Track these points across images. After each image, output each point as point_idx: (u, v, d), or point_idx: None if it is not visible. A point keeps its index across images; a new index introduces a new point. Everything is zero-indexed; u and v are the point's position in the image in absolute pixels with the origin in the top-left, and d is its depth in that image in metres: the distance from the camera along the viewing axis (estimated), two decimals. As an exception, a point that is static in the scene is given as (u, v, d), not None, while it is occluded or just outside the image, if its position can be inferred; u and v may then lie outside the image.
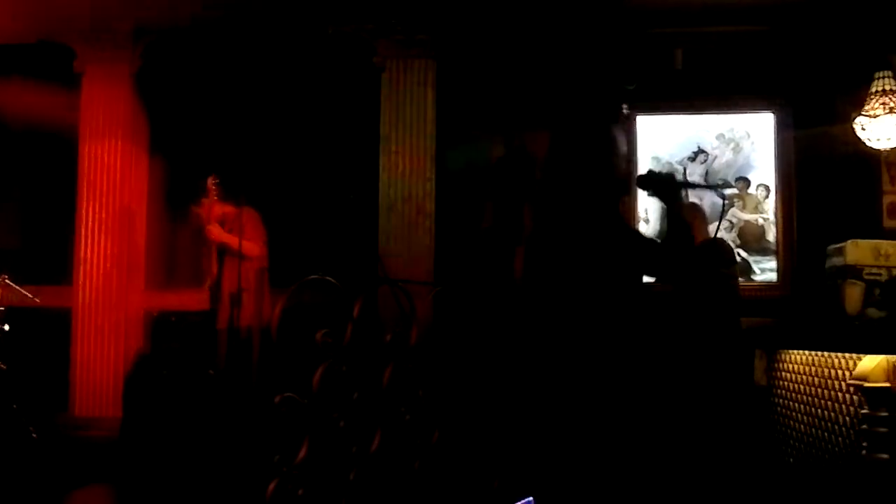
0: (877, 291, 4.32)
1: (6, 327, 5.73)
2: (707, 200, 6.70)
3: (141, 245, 6.96)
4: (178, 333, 6.41)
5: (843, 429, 3.61)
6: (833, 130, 6.32)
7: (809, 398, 4.10)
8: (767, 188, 6.68)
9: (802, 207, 6.56)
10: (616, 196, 2.94)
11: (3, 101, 6.71)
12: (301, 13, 6.50)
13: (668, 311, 4.49)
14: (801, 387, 4.22)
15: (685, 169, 6.76)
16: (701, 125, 6.79)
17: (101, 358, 6.61)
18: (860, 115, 5.88)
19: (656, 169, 6.73)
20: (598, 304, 2.81)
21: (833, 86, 6.40)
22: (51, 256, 7.01)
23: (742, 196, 6.70)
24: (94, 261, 6.70)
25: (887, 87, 5.82)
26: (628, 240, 2.84)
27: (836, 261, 4.96)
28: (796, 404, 4.30)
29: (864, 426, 3.34)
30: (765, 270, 6.61)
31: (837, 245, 5.03)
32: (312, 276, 4.87)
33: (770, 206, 6.65)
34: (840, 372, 3.68)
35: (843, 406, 3.61)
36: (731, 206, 6.70)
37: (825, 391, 3.84)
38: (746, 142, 6.73)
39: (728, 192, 6.70)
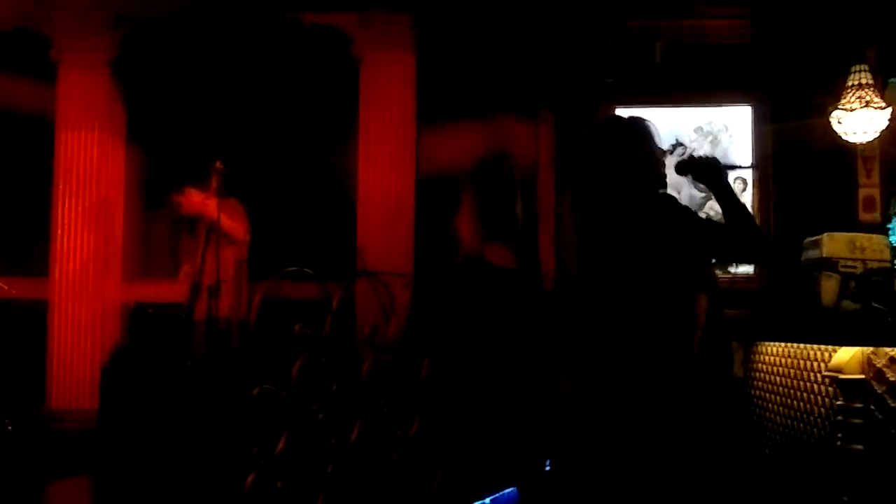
0: (852, 284, 4.35)
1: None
2: (685, 193, 6.75)
3: (118, 236, 6.92)
4: (156, 325, 6.37)
5: (819, 420, 3.64)
6: (810, 124, 6.36)
7: (785, 389, 4.13)
8: (745, 181, 6.72)
9: (779, 200, 6.60)
10: (655, 185, 2.90)
11: (-22, 90, 6.65)
12: (280, 4, 6.48)
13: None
14: (778, 378, 4.26)
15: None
16: (679, 118, 6.82)
17: (77, 350, 6.57)
18: (836, 108, 5.91)
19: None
20: (660, 296, 2.78)
21: (810, 79, 6.44)
22: (27, 248, 6.95)
23: (720, 189, 6.73)
24: (71, 252, 6.65)
25: (863, 81, 5.86)
26: (689, 225, 2.80)
27: (812, 253, 5.00)
28: (773, 395, 4.33)
29: (840, 417, 3.37)
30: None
31: (813, 238, 5.07)
32: (291, 268, 4.86)
33: (747, 198, 6.69)
34: (816, 364, 3.71)
35: (819, 397, 3.65)
36: (709, 198, 6.74)
37: (801, 383, 3.87)
38: (724, 135, 6.77)
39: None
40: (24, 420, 5.67)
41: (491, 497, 2.65)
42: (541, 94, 6.81)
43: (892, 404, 3.31)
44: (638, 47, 6.76)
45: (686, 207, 2.83)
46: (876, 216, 6.33)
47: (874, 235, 4.39)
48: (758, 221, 6.57)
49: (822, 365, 3.61)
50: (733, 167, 5.02)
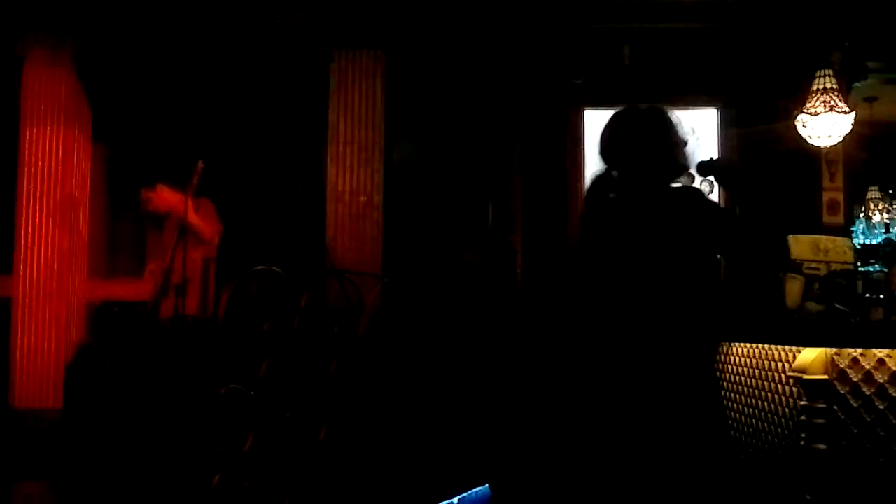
0: (816, 286, 4.40)
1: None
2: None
3: (84, 234, 6.84)
4: (121, 324, 6.32)
5: (783, 420, 3.68)
6: (775, 127, 6.44)
7: (750, 390, 4.17)
8: (711, 183, 6.75)
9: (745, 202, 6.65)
10: (677, 175, 2.90)
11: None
12: (249, 1, 6.44)
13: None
14: (743, 378, 4.29)
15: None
16: (647, 120, 6.86)
17: (42, 348, 6.49)
18: (801, 112, 5.98)
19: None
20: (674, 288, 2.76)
21: (775, 84, 6.52)
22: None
23: (686, 191, 6.78)
24: (36, 250, 6.57)
25: (828, 86, 5.93)
26: (712, 221, 2.79)
27: (777, 255, 5.05)
28: (738, 395, 4.37)
29: (803, 417, 3.41)
30: (708, 264, 6.70)
31: (779, 240, 5.12)
32: (259, 267, 4.84)
33: (714, 199, 6.73)
34: (780, 364, 3.75)
35: (783, 398, 3.68)
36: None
37: (765, 383, 3.91)
38: (691, 137, 6.80)
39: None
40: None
41: (459, 497, 2.65)
42: (510, 98, 6.83)
43: (855, 404, 3.36)
44: (606, 51, 6.81)
45: (714, 203, 2.82)
46: (839, 219, 6.42)
47: (838, 238, 4.44)
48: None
49: (787, 365, 3.65)
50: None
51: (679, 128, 2.91)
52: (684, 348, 2.73)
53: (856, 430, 3.32)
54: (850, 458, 3.30)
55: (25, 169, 6.63)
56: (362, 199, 6.47)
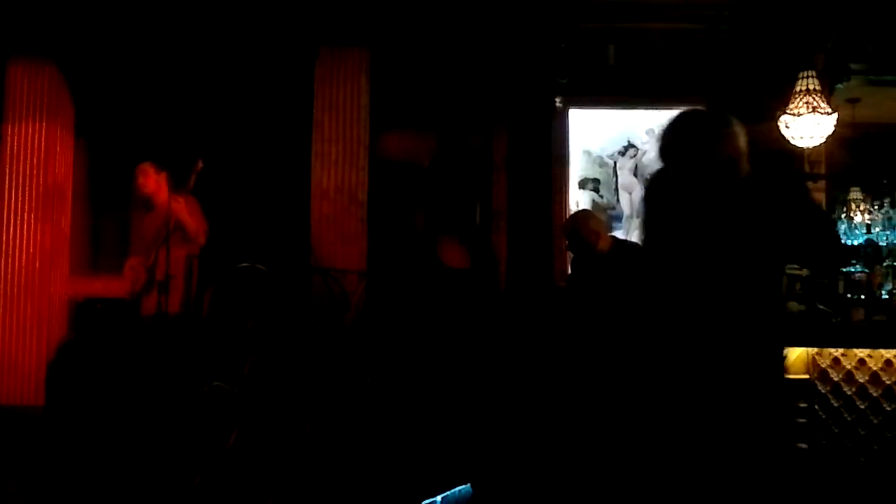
0: (798, 286, 4.44)
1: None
2: (636, 194, 6.83)
3: (66, 230, 6.80)
4: (104, 320, 6.29)
5: (765, 419, 3.69)
6: (759, 128, 6.44)
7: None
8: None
9: (728, 203, 6.69)
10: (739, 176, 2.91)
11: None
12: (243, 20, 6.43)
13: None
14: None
15: (615, 163, 6.86)
16: (631, 120, 6.89)
17: (24, 345, 6.45)
18: (785, 113, 6.01)
19: (589, 163, 6.86)
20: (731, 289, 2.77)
21: (760, 84, 6.54)
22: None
23: (670, 191, 6.81)
24: (18, 246, 6.53)
25: (811, 87, 5.96)
26: (774, 217, 2.80)
27: (760, 255, 5.08)
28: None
29: (785, 416, 3.43)
30: (691, 264, 6.73)
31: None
32: (243, 264, 4.83)
33: (697, 201, 6.77)
34: (762, 364, 3.77)
35: (765, 397, 3.70)
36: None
37: (747, 382, 3.92)
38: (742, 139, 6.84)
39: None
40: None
41: (442, 496, 2.66)
42: (495, 97, 6.84)
43: (836, 404, 3.39)
44: (592, 50, 6.83)
45: (777, 200, 2.82)
46: (822, 219, 6.44)
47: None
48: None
49: (769, 365, 3.67)
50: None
51: (739, 130, 2.93)
52: (756, 348, 2.73)
53: (837, 430, 3.35)
54: (831, 458, 3.33)
55: (7, 165, 6.59)
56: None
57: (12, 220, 6.55)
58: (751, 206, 2.80)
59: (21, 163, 6.59)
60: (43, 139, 6.63)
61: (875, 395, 3.38)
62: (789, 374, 3.40)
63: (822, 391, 3.38)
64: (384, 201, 6.63)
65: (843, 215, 6.63)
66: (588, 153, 6.89)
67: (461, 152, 6.76)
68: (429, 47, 6.70)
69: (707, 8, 6.42)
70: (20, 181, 6.58)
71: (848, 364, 3.39)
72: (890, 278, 5.67)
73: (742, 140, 2.92)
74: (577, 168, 6.90)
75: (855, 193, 7.01)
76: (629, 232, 6.79)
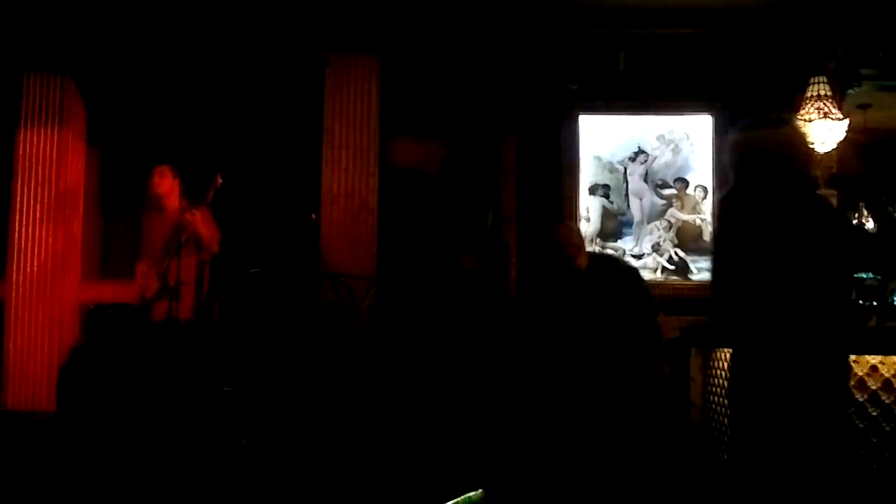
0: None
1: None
2: (646, 200, 6.81)
3: (78, 235, 6.83)
4: (115, 326, 6.31)
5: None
6: (769, 133, 6.44)
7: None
8: (705, 189, 6.80)
9: (739, 209, 6.68)
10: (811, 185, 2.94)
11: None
12: (246, 3, 6.44)
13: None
14: (736, 384, 4.29)
15: (626, 169, 6.85)
16: (642, 126, 6.89)
17: (35, 350, 6.48)
18: (795, 118, 6.00)
19: (599, 169, 6.86)
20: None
21: (770, 90, 6.53)
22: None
23: (680, 197, 6.81)
24: (30, 251, 6.56)
25: (822, 93, 5.96)
26: (843, 229, 2.83)
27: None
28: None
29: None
30: (701, 270, 6.73)
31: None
32: (254, 270, 4.84)
33: (707, 206, 6.78)
34: (772, 370, 3.75)
35: (775, 403, 3.68)
36: (669, 206, 6.81)
37: (758, 389, 3.91)
38: (685, 143, 6.85)
39: (667, 192, 6.82)
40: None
41: (453, 501, 2.65)
42: (505, 103, 6.85)
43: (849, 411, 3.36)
44: (601, 55, 6.82)
45: (839, 211, 2.87)
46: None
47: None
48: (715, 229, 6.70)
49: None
50: None
51: (806, 140, 2.96)
52: (830, 354, 2.77)
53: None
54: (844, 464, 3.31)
55: (21, 170, 6.62)
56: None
57: (25, 226, 6.58)
58: (827, 216, 2.84)
59: (34, 169, 6.62)
60: (56, 146, 6.66)
61: (888, 401, 3.37)
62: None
63: (834, 398, 3.36)
64: (396, 207, 6.64)
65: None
66: (598, 159, 6.89)
67: (471, 158, 6.76)
68: (438, 53, 6.71)
69: (717, 13, 6.41)
70: (33, 187, 6.61)
71: (860, 371, 3.37)
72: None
73: (806, 148, 2.97)
74: (588, 174, 6.90)
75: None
76: (640, 238, 6.79)
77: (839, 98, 6.24)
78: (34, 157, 6.63)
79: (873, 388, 3.36)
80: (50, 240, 6.59)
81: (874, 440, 3.34)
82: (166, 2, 6.36)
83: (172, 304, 5.60)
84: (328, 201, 6.53)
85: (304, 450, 3.62)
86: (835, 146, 6.01)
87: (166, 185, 5.89)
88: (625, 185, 6.86)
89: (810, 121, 5.90)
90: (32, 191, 6.60)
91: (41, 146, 6.63)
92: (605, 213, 6.84)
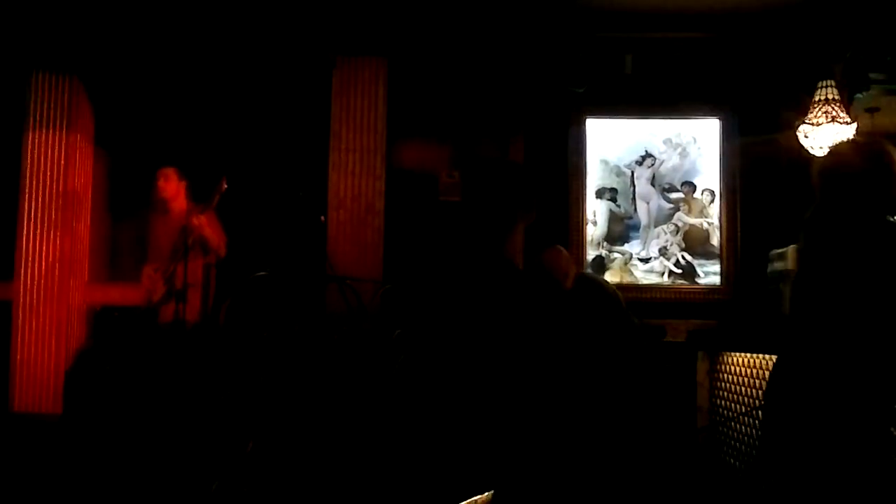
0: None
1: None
2: (653, 204, 6.81)
3: (84, 238, 6.84)
4: (122, 328, 6.32)
5: (783, 430, 3.66)
6: (777, 137, 6.44)
7: (750, 399, 4.17)
8: (713, 193, 6.79)
9: (746, 212, 6.67)
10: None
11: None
12: (253, 6, 6.44)
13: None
14: (742, 388, 4.30)
15: (633, 172, 6.84)
16: (649, 129, 6.88)
17: (42, 352, 6.49)
18: (803, 122, 5.99)
19: (606, 173, 6.85)
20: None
21: (778, 94, 6.52)
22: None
23: (688, 200, 6.80)
24: (37, 254, 6.57)
25: (830, 96, 5.94)
26: None
27: (778, 265, 5.06)
28: (737, 405, 4.38)
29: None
30: (708, 274, 6.71)
31: (779, 250, 5.14)
32: (260, 273, 4.84)
33: (714, 210, 6.76)
34: (780, 374, 3.74)
35: (783, 407, 3.67)
36: (676, 209, 6.80)
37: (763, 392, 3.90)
38: (693, 147, 6.84)
39: (674, 196, 6.80)
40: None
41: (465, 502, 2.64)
42: (512, 106, 6.84)
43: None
44: (609, 59, 6.82)
45: None
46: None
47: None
48: (724, 233, 6.69)
49: (786, 375, 3.64)
50: None
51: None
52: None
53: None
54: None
55: (28, 173, 6.63)
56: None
57: (32, 228, 6.59)
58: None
59: (41, 171, 6.64)
60: (63, 147, 6.68)
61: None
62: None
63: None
64: (403, 210, 6.64)
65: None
66: (605, 162, 6.88)
67: (478, 161, 6.76)
68: (446, 56, 6.71)
69: (724, 17, 6.40)
70: (40, 188, 6.62)
71: None
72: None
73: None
74: (595, 177, 6.88)
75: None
76: (647, 241, 6.77)
77: (847, 102, 6.22)
78: (41, 159, 6.64)
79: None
80: (57, 242, 6.60)
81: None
82: (174, 3, 6.37)
83: (179, 306, 5.60)
84: (335, 204, 6.54)
85: (311, 452, 3.62)
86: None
87: (172, 187, 5.90)
88: (632, 188, 6.85)
89: (818, 124, 5.88)
90: (39, 193, 6.62)
91: (48, 147, 6.65)
92: (612, 217, 6.82)
